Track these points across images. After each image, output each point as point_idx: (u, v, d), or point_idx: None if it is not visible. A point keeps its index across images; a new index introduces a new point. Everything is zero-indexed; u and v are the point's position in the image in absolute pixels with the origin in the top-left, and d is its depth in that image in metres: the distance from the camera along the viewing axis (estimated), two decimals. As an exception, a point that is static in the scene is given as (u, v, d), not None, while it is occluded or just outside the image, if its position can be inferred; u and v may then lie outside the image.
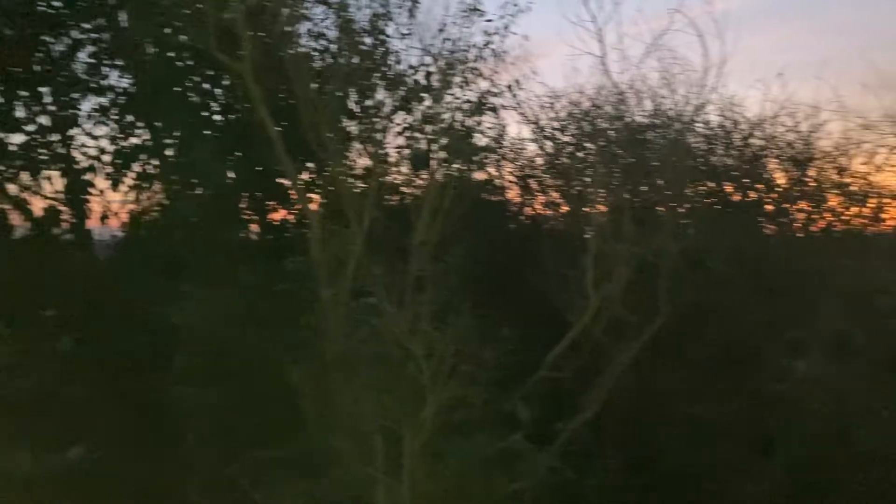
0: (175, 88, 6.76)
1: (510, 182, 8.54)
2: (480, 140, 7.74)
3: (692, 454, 6.43)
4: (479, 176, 7.92)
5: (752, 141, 7.35)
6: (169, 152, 6.97)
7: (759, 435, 6.63)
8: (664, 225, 6.00)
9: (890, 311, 6.06)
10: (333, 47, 6.64)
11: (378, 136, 6.70)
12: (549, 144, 8.19)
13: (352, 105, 6.63)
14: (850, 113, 6.86)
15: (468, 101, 7.23)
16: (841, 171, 7.01)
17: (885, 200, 6.84)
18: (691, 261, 6.33)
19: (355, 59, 6.61)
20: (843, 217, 7.16)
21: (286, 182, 6.85)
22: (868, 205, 6.93)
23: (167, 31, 6.35)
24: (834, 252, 6.56)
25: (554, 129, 8.06)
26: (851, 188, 6.99)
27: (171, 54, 6.71)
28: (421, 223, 4.91)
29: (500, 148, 8.06)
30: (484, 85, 7.40)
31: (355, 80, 6.49)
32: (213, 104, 7.01)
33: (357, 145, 6.56)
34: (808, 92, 7.09)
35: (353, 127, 6.64)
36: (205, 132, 6.83)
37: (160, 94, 6.65)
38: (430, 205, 4.97)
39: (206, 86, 6.98)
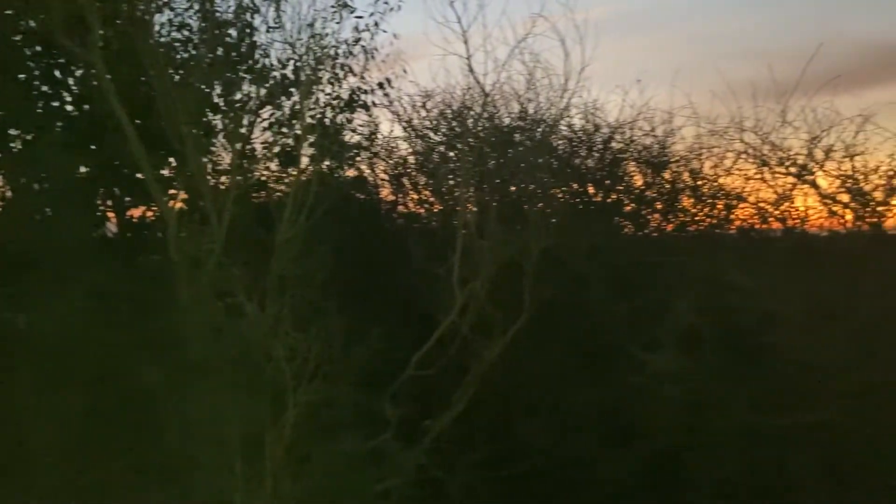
0: (21, 76, 6.33)
1: (383, 180, 8.53)
2: (351, 137, 7.70)
3: (556, 446, 6.64)
4: (350, 173, 7.88)
5: (612, 144, 7.66)
6: (15, 144, 6.51)
7: (620, 425, 6.91)
8: (529, 224, 6.16)
9: (738, 306, 6.44)
10: (196, 38, 6.40)
11: (243, 130, 6.53)
12: (421, 143, 8.24)
13: (216, 99, 6.42)
14: (701, 119, 7.26)
15: (338, 98, 7.18)
16: (693, 174, 7.41)
17: (732, 202, 7.28)
18: (555, 259, 6.53)
19: (219, 52, 6.41)
20: (696, 218, 7.57)
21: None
22: (718, 206, 7.35)
23: (10, 13, 5.93)
24: (687, 251, 6.92)
25: (426, 128, 8.13)
26: (703, 190, 7.40)
27: (17, 39, 6.27)
28: (285, 221, 4.80)
29: (373, 146, 8.04)
30: (354, 82, 7.37)
31: (219, 72, 6.29)
32: (64, 94, 6.61)
33: (221, 140, 6.37)
34: (664, 98, 7.47)
35: (217, 121, 6.44)
36: (55, 123, 6.42)
37: (4, 83, 6.20)
38: (295, 202, 4.88)
39: (58, 74, 6.57)
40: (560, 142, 7.72)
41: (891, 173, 6.53)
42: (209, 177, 6.12)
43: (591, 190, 7.82)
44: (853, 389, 6.00)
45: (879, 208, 6.74)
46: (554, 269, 6.46)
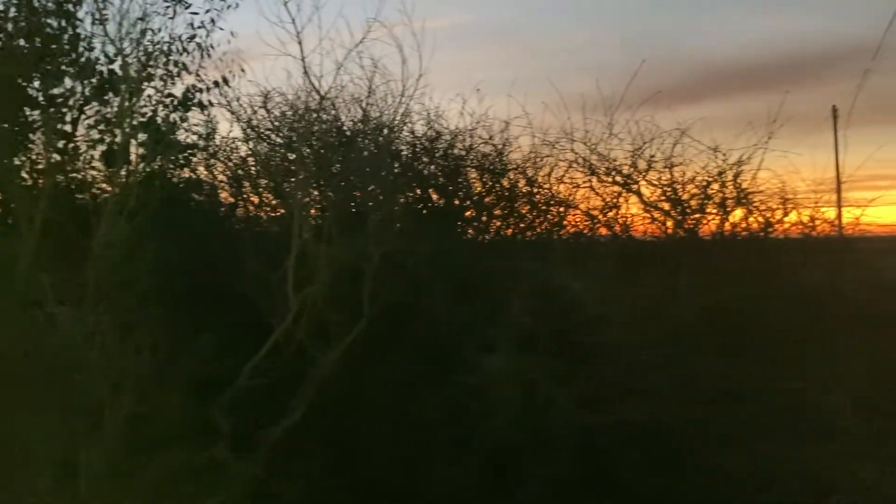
0: None
1: (222, 182, 8.24)
2: (187, 137, 7.42)
3: (398, 450, 6.66)
4: (185, 174, 7.58)
5: (453, 151, 7.81)
6: None
7: (460, 427, 7.03)
8: (369, 228, 6.17)
9: (569, 308, 6.73)
10: (10, 27, 5.94)
11: (66, 127, 6.13)
12: (262, 145, 8.04)
13: (33, 92, 5.99)
14: (536, 129, 7.55)
15: (171, 96, 6.90)
16: (529, 181, 7.69)
17: (564, 209, 7.62)
18: (396, 263, 6.57)
19: (37, 42, 5.99)
20: (532, 224, 7.86)
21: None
22: (552, 213, 7.67)
23: None
24: (523, 255, 7.17)
25: (267, 129, 7.94)
26: (538, 197, 7.69)
27: None
28: (105, 224, 4.54)
29: (210, 146, 7.76)
30: (189, 80, 7.11)
31: (38, 65, 5.89)
32: None
33: (40, 137, 5.94)
34: (502, 108, 7.71)
35: (35, 116, 6.01)
36: None
37: None
38: (117, 203, 4.62)
39: None
40: (403, 147, 7.79)
41: (704, 183, 7.08)
42: (27, 176, 5.71)
43: (433, 195, 7.94)
44: (674, 384, 6.42)
45: (695, 215, 7.29)
46: (396, 274, 6.49)
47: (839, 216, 8.15)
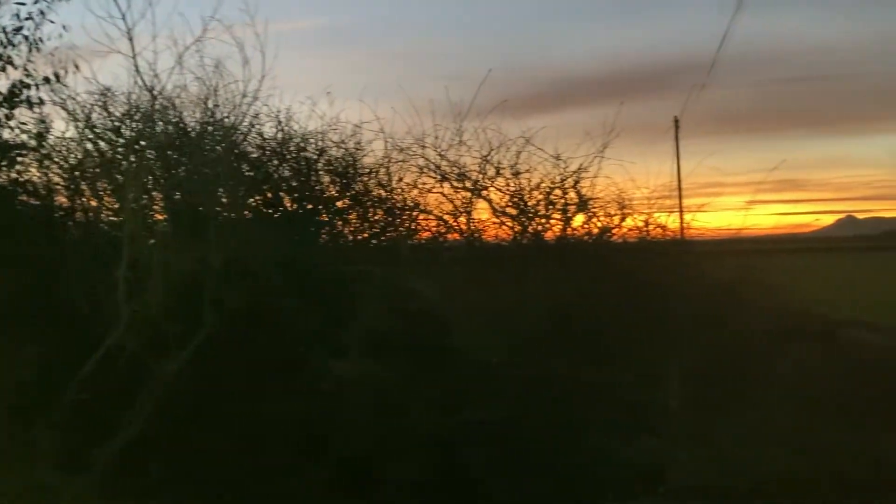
0: None
1: (57, 185, 7.74)
2: (17, 136, 6.94)
3: (245, 459, 6.49)
4: (12, 175, 7.07)
5: (305, 154, 7.71)
6: None
7: (314, 434, 6.94)
8: (213, 233, 5.98)
9: (421, 312, 6.79)
10: None
11: None
12: (101, 145, 7.62)
13: None
14: (389, 134, 7.59)
15: (-7, 91, 6.43)
16: (383, 186, 7.71)
17: (417, 214, 7.70)
18: (244, 269, 6.41)
19: None
20: (385, 228, 7.88)
21: None
22: (405, 218, 7.72)
23: None
24: (376, 260, 7.18)
25: (106, 129, 7.53)
26: (392, 202, 7.73)
27: None
28: None
29: (43, 146, 7.27)
30: (17, 74, 6.66)
31: None
32: None
33: None
34: (357, 112, 7.67)
35: None
36: None
37: None
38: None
39: None
40: (252, 149, 7.61)
41: (547, 190, 7.36)
42: None
43: (285, 199, 7.80)
44: (522, 385, 6.61)
45: (541, 221, 7.57)
46: (242, 280, 6.33)
47: (680, 220, 8.70)
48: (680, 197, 9.90)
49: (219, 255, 5.60)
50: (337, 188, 7.73)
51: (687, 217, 8.31)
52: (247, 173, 7.36)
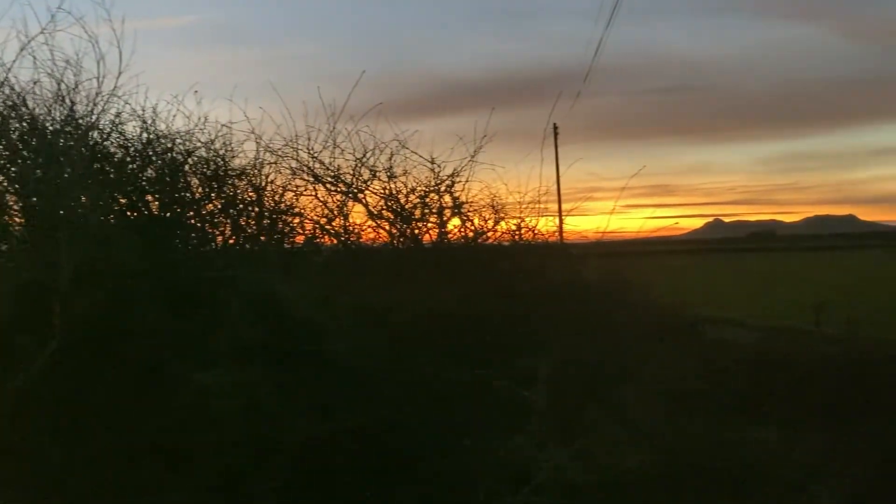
0: None
1: None
2: None
3: (106, 477, 6.15)
4: None
5: (172, 155, 7.39)
6: None
7: (178, 446, 6.65)
8: (65, 237, 5.62)
9: (292, 317, 6.63)
10: None
11: None
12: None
13: None
14: (262, 136, 7.38)
15: None
16: (255, 189, 7.50)
17: (290, 217, 7.53)
18: (101, 275, 6.07)
19: None
20: (257, 232, 7.66)
21: None
22: (277, 221, 7.53)
23: None
24: (247, 264, 6.95)
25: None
26: (264, 205, 7.52)
27: None
28: None
29: None
30: None
31: None
32: None
33: None
34: (228, 113, 7.40)
35: None
36: None
37: None
38: None
39: None
40: (115, 150, 7.21)
41: (423, 193, 7.37)
42: None
43: (150, 202, 7.45)
44: (398, 389, 6.57)
45: (417, 224, 7.57)
46: (100, 287, 5.99)
47: (560, 223, 8.91)
48: (559, 201, 10.15)
49: (71, 260, 5.25)
50: (206, 191, 7.45)
51: (564, 220, 8.53)
52: (109, 175, 6.97)
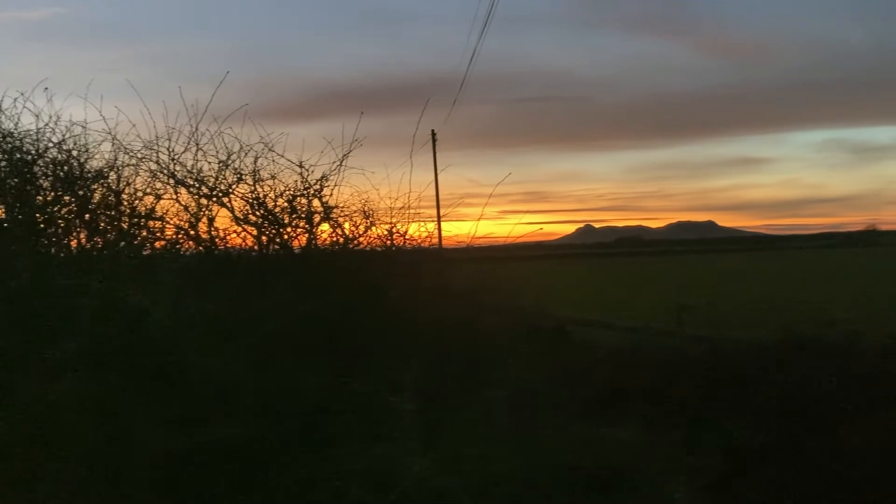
0: None
1: None
2: None
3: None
4: None
5: (20, 155, 6.90)
6: None
7: (21, 465, 6.22)
8: None
9: (149, 326, 6.31)
10: None
11: None
12: None
13: None
14: (120, 136, 7.00)
15: None
16: (112, 192, 7.10)
17: (151, 222, 7.17)
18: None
19: None
20: (115, 237, 7.25)
21: None
22: (136, 225, 7.17)
23: None
24: (102, 271, 6.57)
25: None
26: (122, 209, 7.13)
27: None
28: None
29: None
30: None
31: None
32: None
33: None
34: (82, 111, 6.95)
35: None
36: None
37: None
38: None
39: None
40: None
41: (290, 197, 7.21)
42: None
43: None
44: (263, 398, 6.39)
45: (286, 229, 7.40)
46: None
47: (438, 229, 8.95)
48: (437, 206, 10.21)
49: None
50: (58, 194, 6.99)
51: (437, 226, 8.58)
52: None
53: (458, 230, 8.39)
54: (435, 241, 8.60)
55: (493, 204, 8.61)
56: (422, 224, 8.06)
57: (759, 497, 6.38)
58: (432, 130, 36.96)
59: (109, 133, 6.96)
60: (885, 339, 12.44)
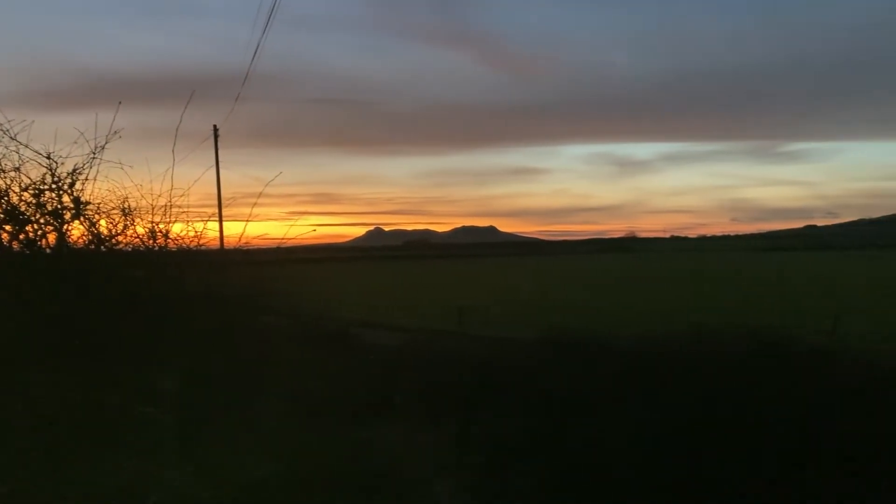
0: None
1: None
2: None
3: None
4: None
5: None
6: None
7: None
8: None
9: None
10: None
11: None
12: None
13: None
14: None
15: None
16: None
17: None
18: None
19: None
20: None
21: None
22: None
23: None
24: None
25: None
26: None
27: None
28: None
29: None
30: None
31: None
32: None
33: None
34: None
35: None
36: None
37: None
38: None
39: None
40: None
41: (36, 192, 6.52)
42: None
43: None
44: None
45: (34, 226, 6.69)
46: None
47: (220, 229, 8.47)
48: (220, 205, 9.73)
49: None
50: None
51: (219, 225, 8.16)
52: None
53: (238, 231, 7.97)
54: (206, 241, 8.12)
55: (280, 205, 8.37)
56: (189, 223, 7.54)
57: (520, 490, 6.69)
58: (214, 126, 35.45)
59: None
60: (636, 339, 13.55)
